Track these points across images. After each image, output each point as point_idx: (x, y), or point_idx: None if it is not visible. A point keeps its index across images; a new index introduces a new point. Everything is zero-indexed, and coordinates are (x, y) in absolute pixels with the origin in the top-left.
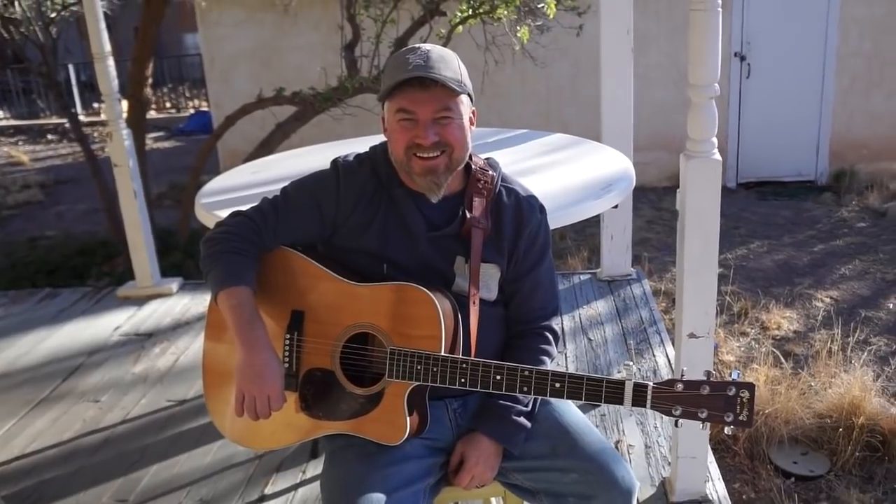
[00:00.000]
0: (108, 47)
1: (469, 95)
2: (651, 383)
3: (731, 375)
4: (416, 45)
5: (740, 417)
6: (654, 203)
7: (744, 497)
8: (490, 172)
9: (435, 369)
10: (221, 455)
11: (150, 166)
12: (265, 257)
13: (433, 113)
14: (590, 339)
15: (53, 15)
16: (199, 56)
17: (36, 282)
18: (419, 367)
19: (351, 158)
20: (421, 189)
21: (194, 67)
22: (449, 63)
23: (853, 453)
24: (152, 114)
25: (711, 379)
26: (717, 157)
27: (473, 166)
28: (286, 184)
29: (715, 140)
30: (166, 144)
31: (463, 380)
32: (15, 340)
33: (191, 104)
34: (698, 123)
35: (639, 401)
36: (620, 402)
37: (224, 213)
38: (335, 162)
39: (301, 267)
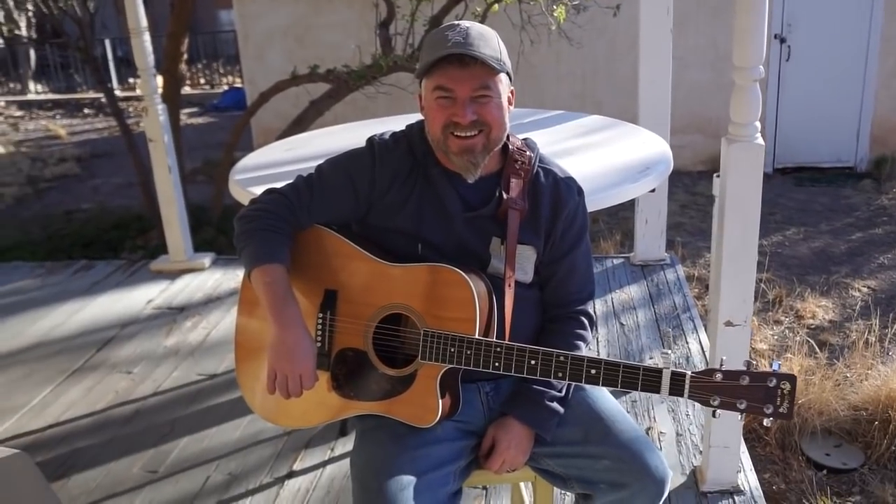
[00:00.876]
0: (144, 22)
1: (508, 74)
2: (689, 372)
3: (772, 366)
4: (456, 22)
5: (780, 409)
6: (689, 187)
7: (774, 488)
8: (528, 153)
9: (469, 352)
10: (251, 430)
11: (184, 142)
12: (299, 235)
13: (472, 91)
14: (622, 324)
15: None
16: (233, 32)
17: (72, 254)
18: (452, 350)
19: (387, 137)
20: (457, 169)
21: (229, 44)
22: (489, 41)
23: (889, 447)
24: (187, 90)
25: (751, 369)
26: (760, 141)
27: (511, 147)
28: (321, 161)
29: (758, 124)
30: (200, 120)
31: (497, 364)
32: (51, 311)
33: (225, 80)
34: (742, 107)
35: (676, 390)
36: (657, 390)
37: (257, 190)
38: (371, 140)
39: (335, 246)
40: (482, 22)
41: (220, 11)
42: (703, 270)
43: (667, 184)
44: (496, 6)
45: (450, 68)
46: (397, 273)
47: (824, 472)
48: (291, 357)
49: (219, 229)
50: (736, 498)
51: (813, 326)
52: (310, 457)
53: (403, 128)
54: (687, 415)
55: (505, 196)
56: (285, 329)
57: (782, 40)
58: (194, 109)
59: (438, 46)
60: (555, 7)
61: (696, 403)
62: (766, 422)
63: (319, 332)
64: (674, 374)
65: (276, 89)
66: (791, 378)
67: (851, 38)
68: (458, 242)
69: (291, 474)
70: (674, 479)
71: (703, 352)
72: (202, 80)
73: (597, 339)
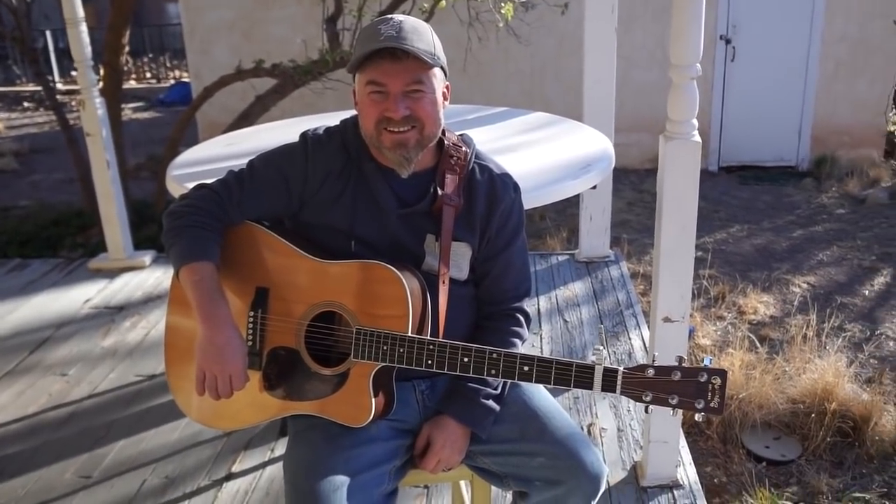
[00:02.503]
0: (81, 12)
1: (443, 69)
2: (621, 368)
3: (703, 361)
4: (389, 16)
5: (711, 404)
6: (636, 185)
7: (715, 481)
8: (463, 149)
9: (402, 350)
10: (189, 432)
11: (129, 137)
12: (230, 232)
13: (404, 86)
14: (566, 321)
15: None
16: (180, 26)
17: (8, 252)
18: (385, 348)
19: (320, 132)
20: (391, 164)
21: (176, 37)
22: (422, 35)
23: (824, 438)
24: (132, 84)
25: (683, 365)
26: (697, 138)
27: (446, 142)
28: (253, 157)
29: (695, 122)
30: (146, 115)
31: (430, 361)
32: None
33: (172, 75)
34: (678, 104)
35: (608, 386)
36: (590, 387)
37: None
38: (304, 135)
39: (266, 242)
40: (429, 18)
41: (167, 4)
42: (648, 267)
43: (611, 181)
44: (443, 2)
45: (382, 63)
46: (330, 270)
47: (763, 464)
48: (221, 357)
49: (161, 226)
50: (675, 492)
51: (754, 322)
52: (249, 458)
53: (338, 123)
54: (628, 410)
55: (440, 192)
56: (214, 328)
57: (727, 41)
58: (140, 104)
59: (371, 40)
60: (503, 4)
61: None
62: (697, 416)
63: (250, 331)
64: (606, 370)
65: (221, 84)
66: (721, 373)
67: (794, 41)
68: (391, 239)
69: (230, 476)
70: (614, 475)
71: (646, 348)
72: (148, 74)
73: (540, 335)
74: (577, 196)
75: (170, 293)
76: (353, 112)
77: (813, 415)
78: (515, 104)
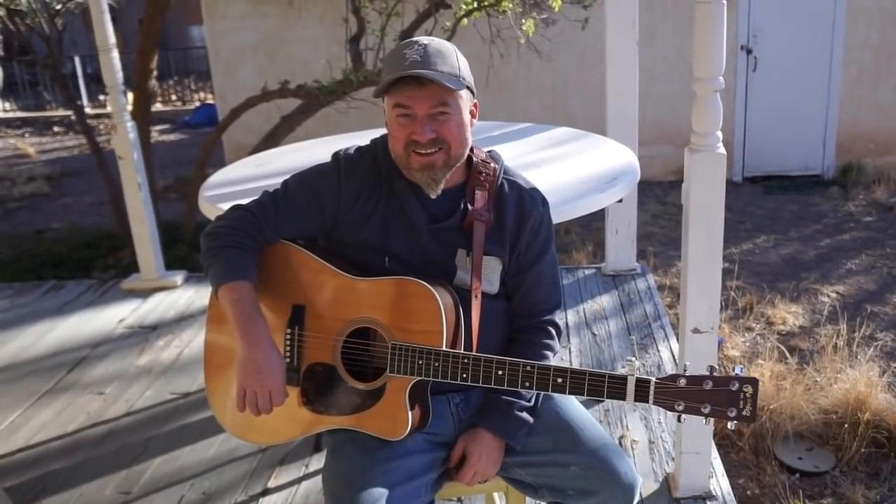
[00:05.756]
0: (112, 39)
1: (469, 89)
2: (654, 378)
3: (734, 370)
4: (414, 39)
5: (744, 413)
6: (660, 197)
7: (748, 493)
8: (492, 165)
9: (436, 364)
10: (225, 448)
11: (155, 159)
12: (266, 251)
13: (430, 109)
14: (594, 334)
15: (59, 7)
16: (204, 49)
17: (41, 274)
18: (420, 362)
19: (352, 151)
20: (419, 184)
21: (200, 60)
22: (447, 57)
23: (859, 449)
24: (158, 106)
25: (714, 374)
26: (722, 150)
27: (475, 159)
28: (287, 177)
29: (720, 134)
30: (172, 137)
31: (465, 375)
32: (20, 332)
33: (196, 97)
34: (703, 117)
35: (641, 396)
36: (623, 397)
37: (228, 206)
38: (336, 155)
39: (302, 261)
40: (451, 36)
41: (191, 27)
42: (674, 279)
43: (636, 194)
44: (465, 20)
45: (407, 87)
46: (364, 287)
47: (797, 475)
48: (260, 374)
49: (191, 246)
50: (708, 503)
51: (783, 332)
52: (285, 474)
53: (368, 142)
54: (659, 422)
55: (470, 208)
56: (253, 346)
57: (749, 51)
58: (166, 126)
59: (397, 65)
60: (523, 21)
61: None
62: (730, 425)
63: (288, 348)
64: (638, 380)
65: (248, 105)
66: (753, 381)
67: (815, 49)
68: (423, 255)
69: (266, 492)
70: (647, 487)
71: (675, 359)
72: (173, 97)
73: (569, 348)
74: (602, 210)
75: (208, 311)
76: (381, 130)
77: (846, 425)
78: (537, 119)
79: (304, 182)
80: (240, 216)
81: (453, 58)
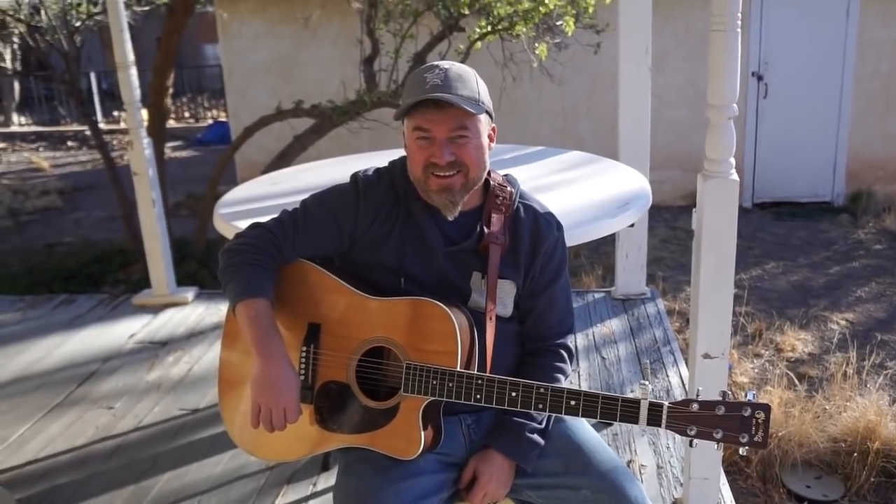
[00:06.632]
0: (131, 56)
1: (489, 113)
2: (667, 403)
3: (746, 396)
4: (435, 63)
5: (755, 438)
6: (669, 222)
7: None
8: (508, 189)
9: (450, 385)
10: (233, 465)
11: (167, 176)
12: (283, 270)
13: (449, 132)
14: (603, 358)
15: (78, 24)
16: (218, 67)
17: (53, 288)
18: (434, 382)
19: (370, 173)
20: (437, 206)
21: (214, 78)
22: (467, 82)
23: (868, 478)
24: (171, 123)
25: (727, 399)
26: (735, 177)
27: (492, 182)
28: (306, 196)
29: (732, 160)
30: (184, 154)
31: (478, 395)
32: (31, 345)
33: (209, 115)
34: (716, 143)
35: (654, 420)
36: (636, 420)
37: (242, 224)
38: (355, 176)
39: (318, 280)
40: (464, 59)
41: (205, 46)
42: (683, 304)
43: (646, 219)
44: (479, 44)
45: (426, 111)
46: (380, 306)
47: (805, 503)
48: (275, 391)
49: (202, 263)
50: None
51: (792, 359)
52: (292, 492)
53: (386, 164)
54: (667, 447)
55: (486, 231)
56: (269, 363)
57: (759, 78)
58: (178, 143)
59: (417, 89)
60: (536, 45)
61: (676, 435)
62: (741, 451)
63: (303, 366)
64: (651, 404)
65: (262, 124)
66: (765, 407)
67: (826, 76)
68: (439, 276)
69: None
70: None
71: (684, 384)
72: (187, 114)
73: (578, 372)
74: (612, 234)
75: (224, 327)
76: (393, 151)
77: (855, 454)
78: (548, 143)
79: (323, 202)
80: (259, 234)
81: (473, 82)
